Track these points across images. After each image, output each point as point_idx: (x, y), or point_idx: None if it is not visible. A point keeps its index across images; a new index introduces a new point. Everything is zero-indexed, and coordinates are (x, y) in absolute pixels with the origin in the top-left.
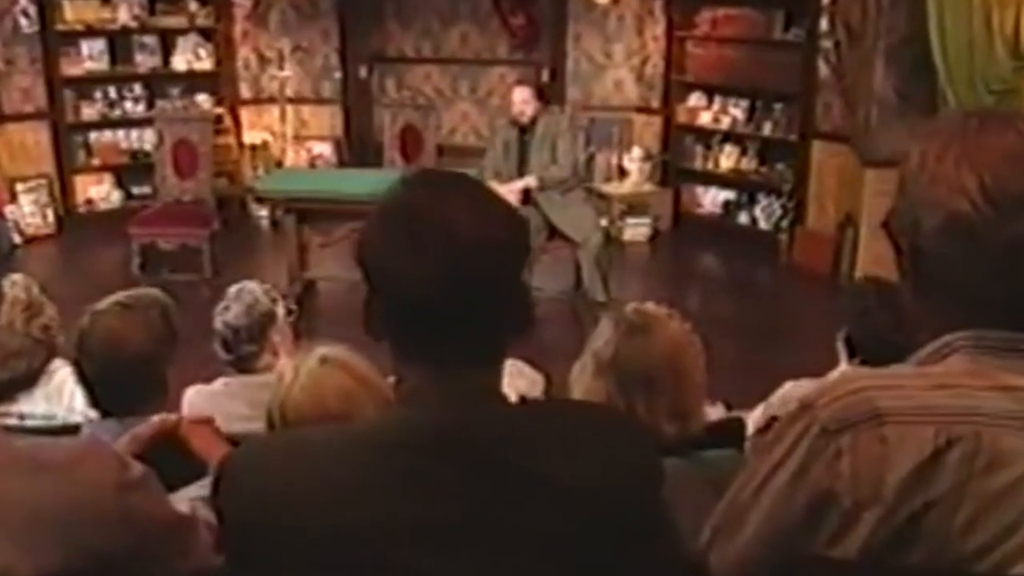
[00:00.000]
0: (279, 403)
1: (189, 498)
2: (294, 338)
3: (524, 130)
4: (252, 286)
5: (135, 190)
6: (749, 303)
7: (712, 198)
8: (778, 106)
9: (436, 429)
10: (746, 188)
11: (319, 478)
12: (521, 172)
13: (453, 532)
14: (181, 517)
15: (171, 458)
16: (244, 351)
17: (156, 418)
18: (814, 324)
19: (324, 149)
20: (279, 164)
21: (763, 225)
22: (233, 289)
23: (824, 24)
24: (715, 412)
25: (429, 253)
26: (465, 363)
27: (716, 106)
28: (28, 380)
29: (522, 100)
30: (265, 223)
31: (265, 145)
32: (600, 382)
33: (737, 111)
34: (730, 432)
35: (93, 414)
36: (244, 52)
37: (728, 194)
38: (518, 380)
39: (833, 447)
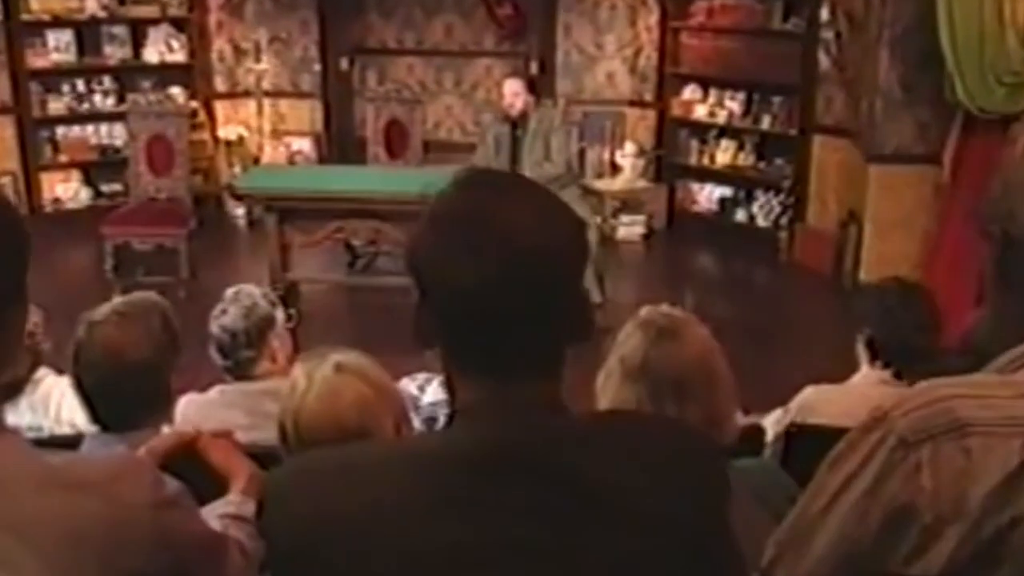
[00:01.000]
0: (292, 413)
1: (217, 515)
2: (293, 344)
3: (516, 125)
4: (250, 288)
5: (104, 188)
6: (748, 304)
7: (708, 195)
8: (777, 99)
9: (498, 446)
10: (743, 184)
11: (375, 499)
12: (513, 169)
13: (520, 555)
14: (216, 536)
15: (189, 473)
16: (241, 356)
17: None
18: (816, 326)
19: (303, 145)
20: (256, 161)
21: (761, 223)
22: (230, 291)
23: (825, 14)
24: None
25: (487, 258)
26: (525, 374)
27: (712, 99)
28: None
29: (512, 93)
30: (242, 222)
31: (241, 141)
32: (629, 389)
33: (734, 104)
34: (748, 439)
35: (82, 425)
36: (219, 43)
37: (725, 191)
38: None
39: (912, 459)
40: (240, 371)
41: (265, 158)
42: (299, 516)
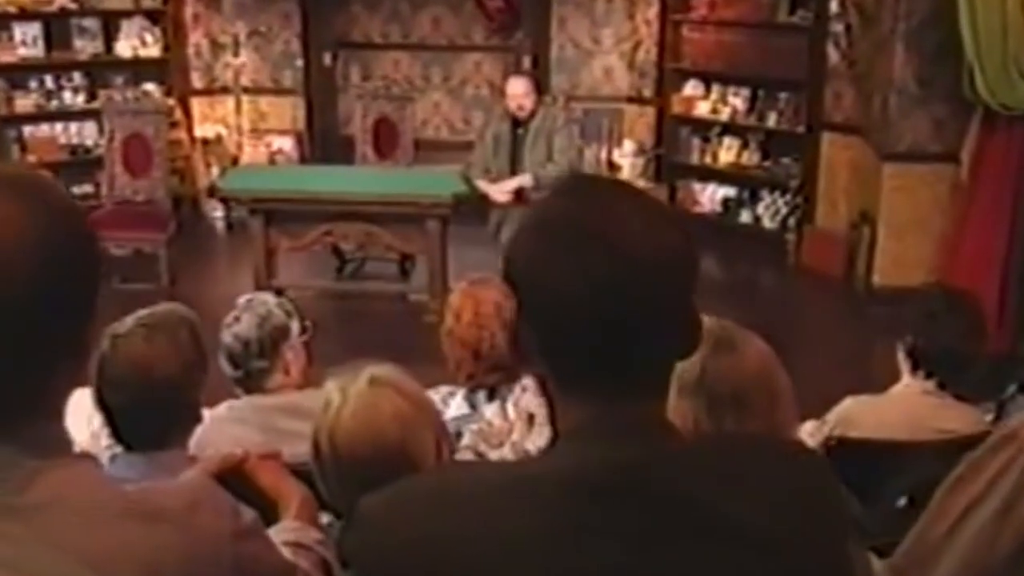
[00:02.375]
0: (327, 430)
1: (280, 543)
2: (307, 357)
3: (517, 124)
4: (265, 296)
5: (76, 189)
6: (754, 309)
7: (711, 195)
8: (783, 95)
9: (610, 469)
10: (748, 184)
11: (479, 526)
12: (513, 169)
13: None
14: (288, 565)
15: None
16: (253, 367)
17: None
18: (827, 332)
19: (284, 144)
20: (235, 161)
21: (767, 224)
22: (243, 299)
23: (834, 6)
24: None
25: (597, 269)
26: (635, 393)
27: (714, 95)
28: None
29: (524, 93)
30: (220, 225)
31: (219, 140)
32: (686, 403)
33: (737, 101)
34: None
35: (82, 443)
36: (195, 37)
37: (728, 191)
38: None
39: None
40: (251, 383)
41: (244, 158)
42: (404, 542)
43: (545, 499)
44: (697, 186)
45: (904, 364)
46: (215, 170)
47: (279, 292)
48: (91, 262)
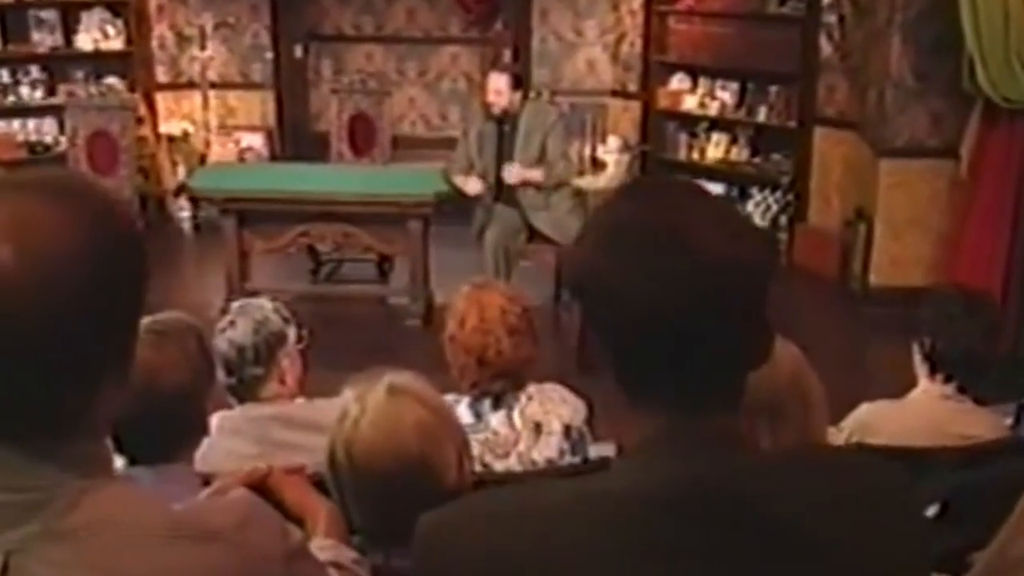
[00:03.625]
0: (345, 441)
1: (325, 561)
2: (303, 366)
3: (502, 121)
4: (261, 301)
5: None
6: None
7: None
8: (773, 89)
9: (689, 486)
10: (737, 181)
11: (549, 542)
12: (499, 167)
13: None
14: None
15: None
16: (248, 374)
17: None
18: (822, 333)
19: (254, 141)
20: (202, 158)
21: (758, 222)
22: (237, 303)
23: None
24: None
25: (673, 276)
26: (709, 405)
27: (702, 89)
28: None
29: (495, 90)
30: (187, 226)
31: (185, 137)
32: None
33: (726, 95)
34: None
35: None
36: (160, 29)
37: (717, 188)
38: (561, 407)
39: None
40: (245, 391)
41: (212, 156)
42: (471, 560)
43: (616, 515)
44: None
45: (921, 368)
46: (181, 169)
47: (253, 295)
48: (139, 270)
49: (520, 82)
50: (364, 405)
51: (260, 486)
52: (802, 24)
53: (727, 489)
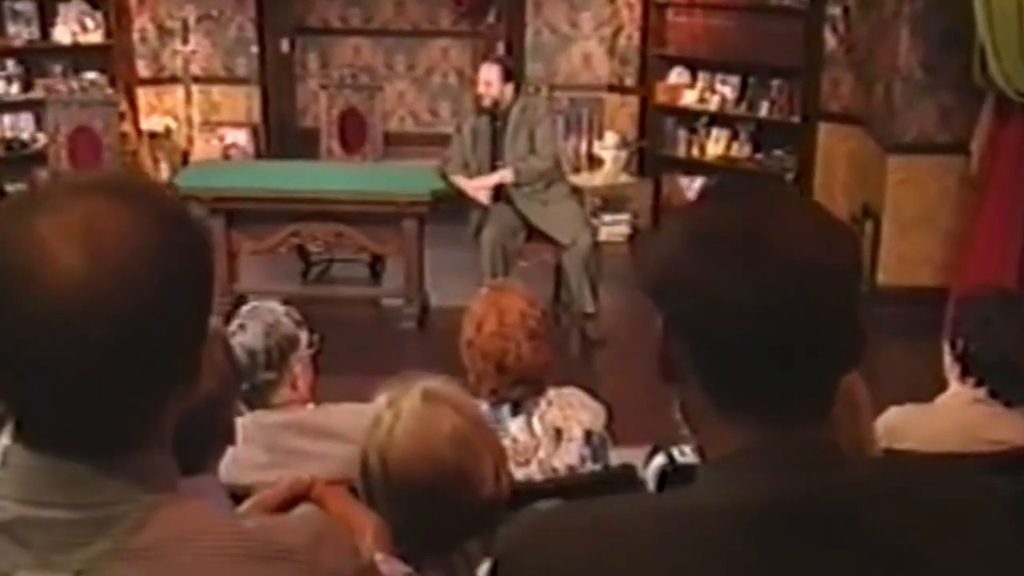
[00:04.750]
0: (379, 449)
1: None
2: (314, 371)
3: (495, 116)
4: (272, 304)
5: (10, 188)
6: None
7: (698, 190)
8: (775, 83)
9: (781, 499)
10: None
11: (642, 558)
12: (494, 165)
13: None
14: None
15: None
16: (260, 379)
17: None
18: None
19: (239, 137)
20: (185, 156)
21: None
22: (247, 307)
23: None
24: None
25: (764, 279)
26: (802, 415)
27: (702, 83)
28: None
29: (484, 81)
30: None
31: (167, 133)
32: None
33: (726, 89)
34: None
35: None
36: (141, 22)
37: None
38: (581, 413)
39: None
40: (256, 397)
41: (195, 153)
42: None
43: (710, 531)
44: (684, 180)
45: (952, 370)
46: (164, 166)
47: (242, 298)
48: (208, 275)
49: (511, 74)
50: (398, 411)
51: (303, 499)
52: (805, 16)
53: (825, 504)
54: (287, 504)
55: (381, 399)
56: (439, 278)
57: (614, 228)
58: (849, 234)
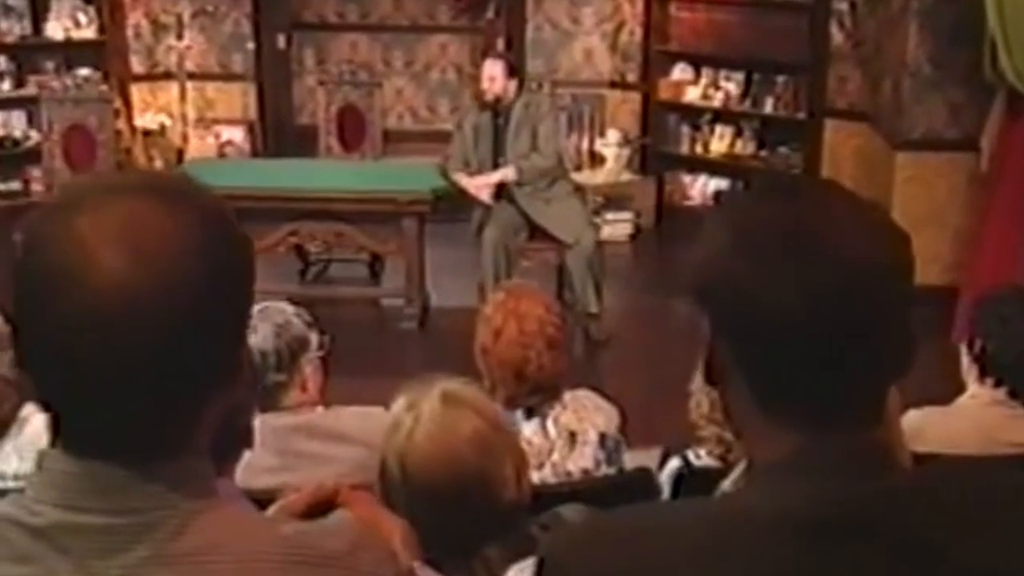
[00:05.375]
0: (398, 453)
1: None
2: (324, 373)
3: (498, 112)
4: (282, 305)
5: (2, 186)
6: None
7: (702, 188)
8: (781, 79)
9: (829, 505)
10: (742, 176)
11: (688, 564)
12: (495, 162)
13: None
14: None
15: None
16: (270, 381)
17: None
18: None
19: (235, 135)
20: (179, 153)
21: None
22: (257, 307)
23: None
24: None
25: (815, 280)
26: (853, 419)
27: (705, 80)
28: None
29: (488, 77)
30: None
31: (162, 130)
32: None
33: (731, 85)
34: None
35: None
36: (134, 17)
37: (721, 183)
38: (595, 415)
39: None
40: (267, 399)
41: (190, 151)
42: None
43: (760, 537)
44: (687, 178)
45: (969, 372)
46: (158, 164)
47: None
48: (249, 275)
49: (515, 71)
50: (418, 414)
51: (329, 504)
52: (811, 11)
53: (875, 511)
54: (312, 509)
55: (400, 401)
56: (439, 278)
57: (616, 227)
58: (900, 233)
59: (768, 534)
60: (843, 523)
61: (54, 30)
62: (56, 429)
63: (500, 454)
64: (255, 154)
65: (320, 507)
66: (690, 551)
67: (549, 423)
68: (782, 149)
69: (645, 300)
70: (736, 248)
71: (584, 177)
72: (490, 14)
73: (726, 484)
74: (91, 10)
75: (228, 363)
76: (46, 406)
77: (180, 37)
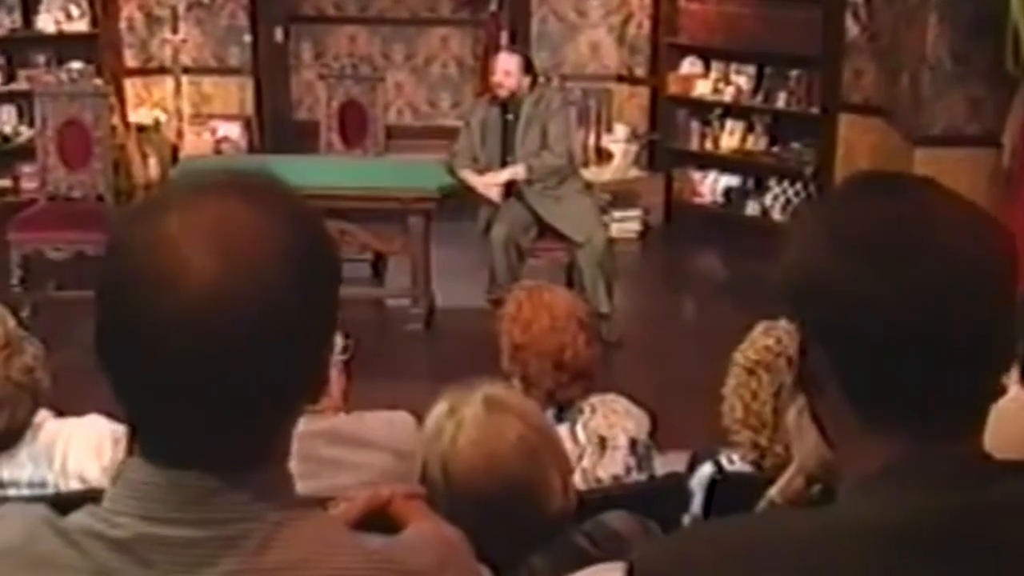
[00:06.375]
0: (441, 458)
1: None
2: (347, 377)
3: (507, 108)
4: None
5: None
6: (764, 312)
7: (712, 185)
8: (794, 73)
9: (937, 518)
10: (754, 172)
11: None
12: (504, 159)
13: None
14: None
15: None
16: None
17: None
18: None
19: (231, 131)
20: (174, 150)
21: (777, 216)
22: None
23: None
24: None
25: (920, 283)
26: (956, 427)
27: (716, 73)
28: (11, 437)
29: (503, 71)
30: None
31: (156, 126)
32: None
33: (741, 79)
34: None
35: (93, 479)
36: (128, 9)
37: (731, 180)
38: (626, 420)
39: None
40: None
41: (185, 147)
42: None
43: (863, 551)
44: (696, 175)
45: (1011, 372)
46: (152, 161)
47: None
48: (337, 278)
49: (531, 66)
50: (460, 420)
51: (382, 513)
52: (825, 2)
53: (984, 524)
54: (365, 518)
55: (441, 406)
56: (445, 278)
57: (624, 225)
58: (1003, 229)
59: (871, 550)
60: (951, 538)
61: (45, 23)
62: (136, 436)
63: (547, 461)
64: (252, 150)
65: (375, 515)
66: (790, 564)
67: (579, 428)
68: (795, 145)
69: (654, 300)
70: (835, 250)
71: (591, 174)
72: (493, 6)
73: (772, 492)
74: (83, 2)
75: (316, 369)
76: (130, 414)
77: (175, 30)
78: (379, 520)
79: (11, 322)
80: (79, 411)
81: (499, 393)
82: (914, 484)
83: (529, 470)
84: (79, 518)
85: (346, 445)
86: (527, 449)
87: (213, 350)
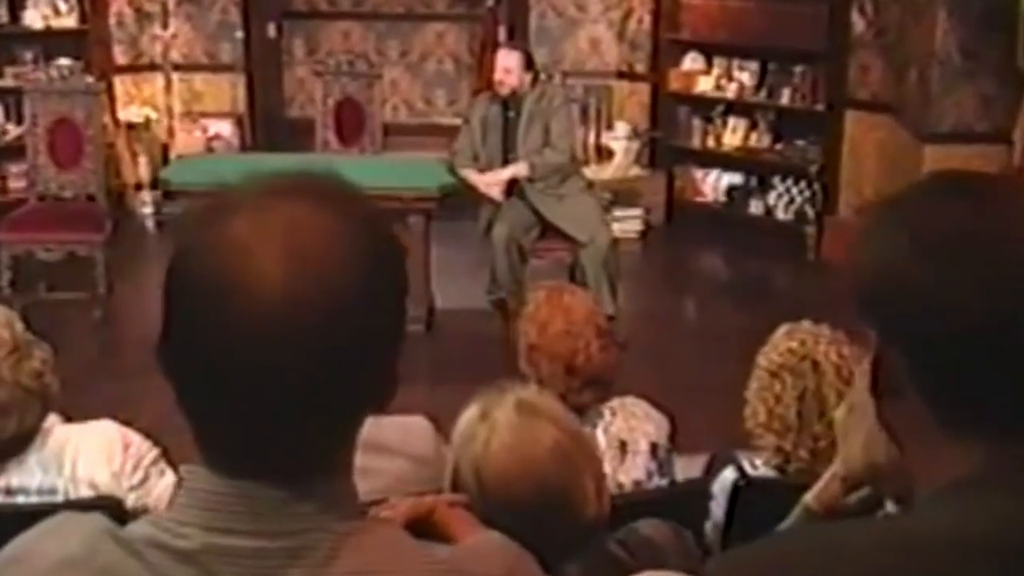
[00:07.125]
0: (473, 463)
1: None
2: None
3: (508, 105)
4: None
5: None
6: (768, 312)
7: (714, 183)
8: (798, 69)
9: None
10: (757, 170)
11: None
12: (505, 157)
13: None
14: None
15: None
16: None
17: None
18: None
19: (223, 128)
20: (165, 148)
21: (781, 215)
22: None
23: None
24: None
25: (1002, 287)
26: None
27: (718, 70)
28: (19, 443)
29: (504, 68)
30: (151, 223)
31: (147, 124)
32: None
33: (744, 76)
34: None
35: (103, 484)
36: (117, 5)
37: (734, 178)
38: (646, 424)
39: None
40: None
41: (176, 145)
42: None
43: (944, 561)
44: (698, 173)
45: None
46: (143, 160)
47: None
48: (405, 283)
49: (532, 62)
50: (493, 424)
51: (426, 521)
52: None
53: None
54: (408, 525)
55: (472, 410)
56: (444, 278)
57: (625, 224)
58: None
59: (955, 561)
60: None
61: (32, 19)
62: (203, 446)
63: (581, 467)
64: (244, 148)
65: (418, 522)
66: (867, 574)
67: (599, 432)
68: (800, 142)
69: (656, 301)
70: (914, 253)
71: (591, 172)
72: (490, 1)
73: (808, 498)
74: None
75: (384, 376)
76: (195, 423)
77: (165, 26)
78: (422, 528)
79: (19, 326)
80: (75, 414)
81: (531, 397)
82: (1000, 492)
83: (564, 475)
84: (141, 528)
85: (362, 450)
86: (562, 454)
87: (284, 358)
